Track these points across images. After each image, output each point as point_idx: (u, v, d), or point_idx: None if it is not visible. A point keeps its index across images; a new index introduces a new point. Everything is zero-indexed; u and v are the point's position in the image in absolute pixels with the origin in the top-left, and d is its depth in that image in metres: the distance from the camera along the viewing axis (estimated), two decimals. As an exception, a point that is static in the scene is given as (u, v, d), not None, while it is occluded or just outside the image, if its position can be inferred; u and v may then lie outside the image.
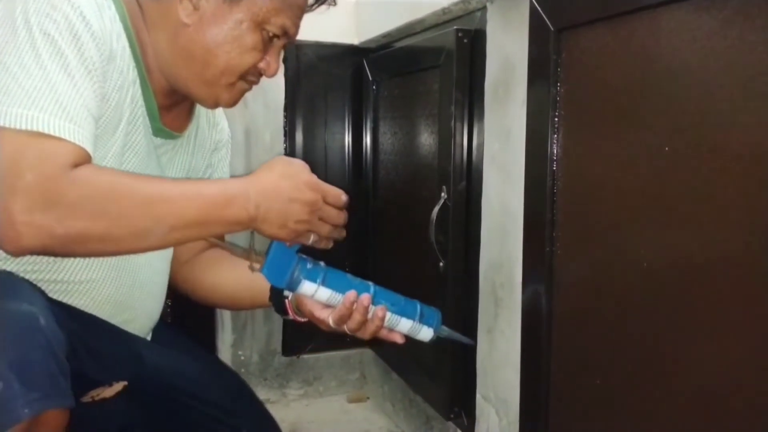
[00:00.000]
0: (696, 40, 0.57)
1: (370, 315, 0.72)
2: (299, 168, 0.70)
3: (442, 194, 1.02)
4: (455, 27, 0.98)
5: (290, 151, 1.42)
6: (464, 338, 0.82)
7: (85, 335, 0.67)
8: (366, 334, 0.73)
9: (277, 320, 1.44)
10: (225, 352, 1.42)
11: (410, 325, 0.75)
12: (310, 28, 1.37)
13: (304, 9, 0.78)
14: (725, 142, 0.55)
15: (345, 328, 0.73)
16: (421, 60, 1.13)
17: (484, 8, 0.94)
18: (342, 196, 0.72)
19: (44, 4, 0.61)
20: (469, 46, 0.98)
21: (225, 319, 1.42)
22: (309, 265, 0.73)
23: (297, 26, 0.77)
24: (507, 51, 0.88)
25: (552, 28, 0.74)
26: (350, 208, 0.74)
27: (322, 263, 0.74)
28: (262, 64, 0.75)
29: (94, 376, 0.69)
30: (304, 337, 1.44)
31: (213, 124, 0.91)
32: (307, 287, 0.72)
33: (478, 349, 0.97)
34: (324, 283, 0.72)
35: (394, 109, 1.28)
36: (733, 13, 0.53)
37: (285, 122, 1.41)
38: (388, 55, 1.31)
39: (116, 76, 0.69)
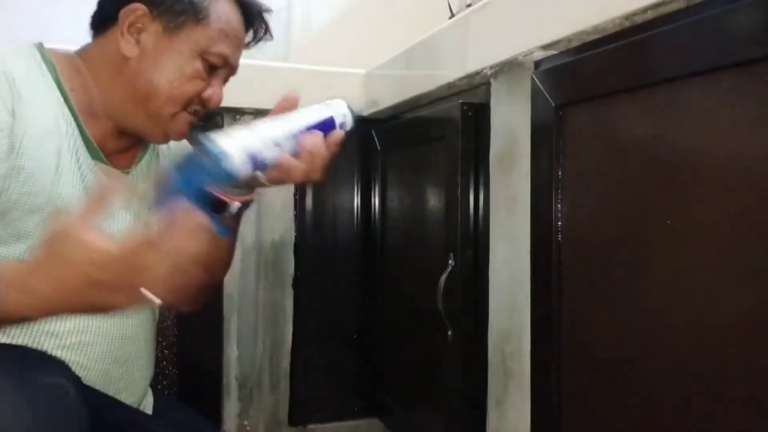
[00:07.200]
0: (691, 115, 0.59)
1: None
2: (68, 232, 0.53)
3: (450, 261, 1.03)
4: (460, 101, 1.01)
5: (300, 218, 1.44)
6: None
7: (98, 409, 0.67)
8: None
9: (284, 389, 1.42)
10: (230, 422, 1.39)
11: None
12: (321, 99, 1.44)
13: (242, 40, 0.81)
14: (727, 210, 0.55)
15: None
16: (427, 131, 1.16)
17: (488, 83, 0.98)
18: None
19: None
20: (474, 119, 1.01)
21: (231, 388, 1.40)
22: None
23: (237, 57, 0.80)
24: (510, 123, 0.90)
25: (553, 104, 0.77)
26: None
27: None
28: (205, 94, 0.77)
29: None
30: (311, 406, 1.41)
31: (176, 144, 0.91)
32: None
33: (488, 422, 0.94)
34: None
35: (402, 178, 1.31)
36: (725, 92, 0.55)
37: (295, 190, 1.44)
38: (395, 126, 1.35)
39: (36, 147, 0.68)
